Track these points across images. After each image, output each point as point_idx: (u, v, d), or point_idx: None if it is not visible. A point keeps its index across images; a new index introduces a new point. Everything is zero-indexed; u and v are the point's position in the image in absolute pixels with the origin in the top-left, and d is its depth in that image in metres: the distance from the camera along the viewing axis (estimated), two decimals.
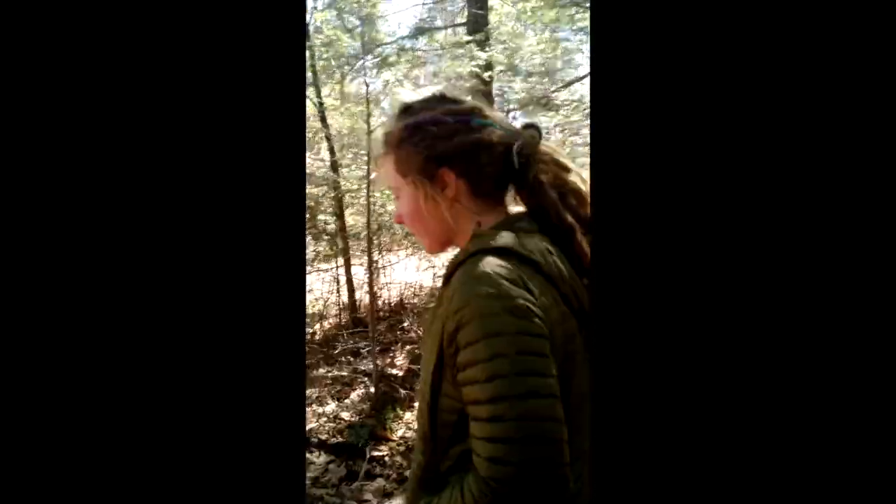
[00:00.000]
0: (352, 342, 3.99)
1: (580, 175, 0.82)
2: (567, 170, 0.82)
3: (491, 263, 0.67)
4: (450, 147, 0.76)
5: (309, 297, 4.37)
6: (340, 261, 4.37)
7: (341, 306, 4.55)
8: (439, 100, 0.81)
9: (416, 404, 0.82)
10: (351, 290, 4.38)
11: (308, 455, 2.61)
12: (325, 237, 4.22)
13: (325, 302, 4.55)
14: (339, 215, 4.14)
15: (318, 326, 4.39)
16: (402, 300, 4.77)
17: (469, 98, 0.82)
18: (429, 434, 0.73)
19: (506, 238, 0.72)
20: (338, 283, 4.54)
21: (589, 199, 0.79)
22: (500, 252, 0.69)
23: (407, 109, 0.81)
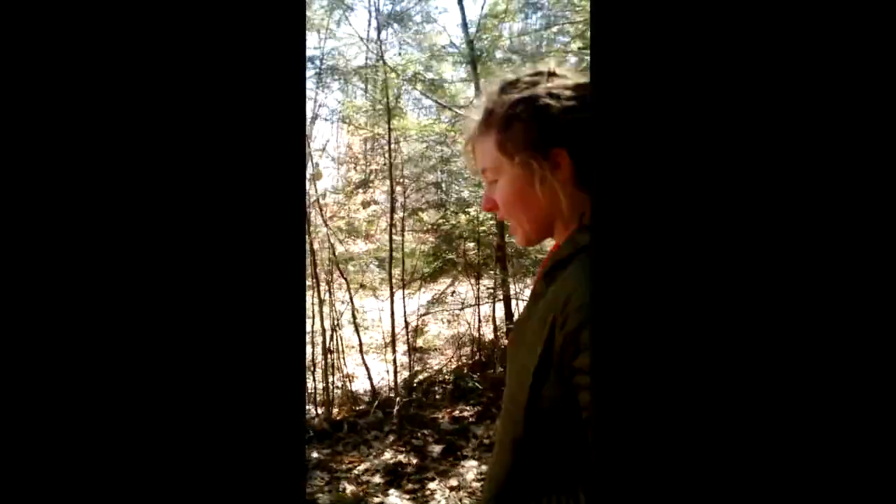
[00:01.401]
0: None
1: None
2: None
3: None
4: (567, 124, 0.69)
5: None
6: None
7: None
8: (548, 75, 0.73)
9: (503, 408, 0.76)
10: None
11: None
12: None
13: None
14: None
15: None
16: None
17: (577, 74, 0.74)
18: (521, 438, 0.68)
19: None
20: None
21: None
22: None
23: (511, 84, 0.73)
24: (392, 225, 3.73)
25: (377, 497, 2.72)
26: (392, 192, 3.77)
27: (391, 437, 3.49)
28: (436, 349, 5.13)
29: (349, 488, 2.81)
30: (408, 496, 2.74)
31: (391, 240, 3.74)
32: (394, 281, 3.96)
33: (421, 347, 4.69)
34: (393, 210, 3.79)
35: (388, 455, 3.25)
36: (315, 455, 3.25)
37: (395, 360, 3.95)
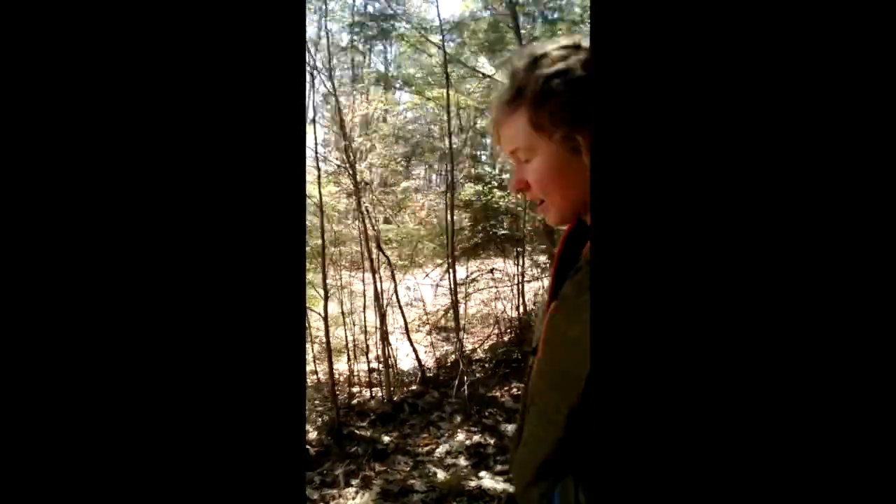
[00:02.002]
0: None
1: None
2: None
3: None
4: None
5: None
6: None
7: None
8: (577, 48, 0.69)
9: (535, 388, 0.77)
10: None
11: None
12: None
13: None
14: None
15: None
16: None
17: None
18: (578, 407, 0.67)
19: None
20: None
21: None
22: None
23: (541, 58, 0.69)
24: (450, 199, 3.58)
25: (471, 480, 2.64)
26: (451, 162, 3.62)
27: (458, 418, 3.41)
28: (475, 326, 5.07)
29: (440, 473, 2.73)
30: (500, 478, 2.67)
31: (451, 213, 3.60)
32: (443, 258, 3.84)
33: (464, 326, 4.60)
34: (453, 184, 3.65)
35: (461, 436, 3.17)
36: (386, 438, 3.15)
37: (459, 338, 3.85)
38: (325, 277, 3.35)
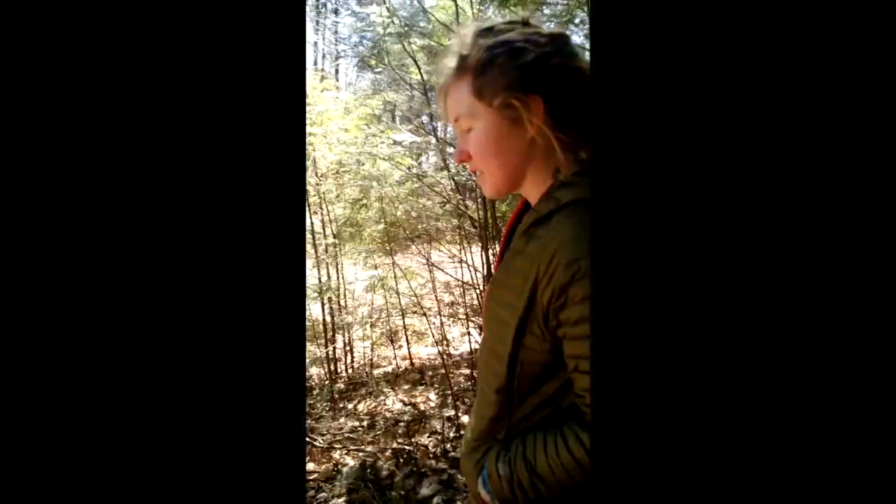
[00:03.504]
0: None
1: None
2: None
3: None
4: (542, 71, 0.69)
5: None
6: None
7: None
8: (524, 24, 0.73)
9: (481, 360, 0.81)
10: None
11: None
12: None
13: None
14: None
15: None
16: None
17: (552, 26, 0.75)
18: (504, 387, 0.72)
19: None
20: None
21: None
22: None
23: (486, 30, 0.73)
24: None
25: None
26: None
27: None
28: None
29: None
30: None
31: None
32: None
33: None
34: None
35: None
36: None
37: None
38: None
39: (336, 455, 2.74)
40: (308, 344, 3.61)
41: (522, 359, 0.70)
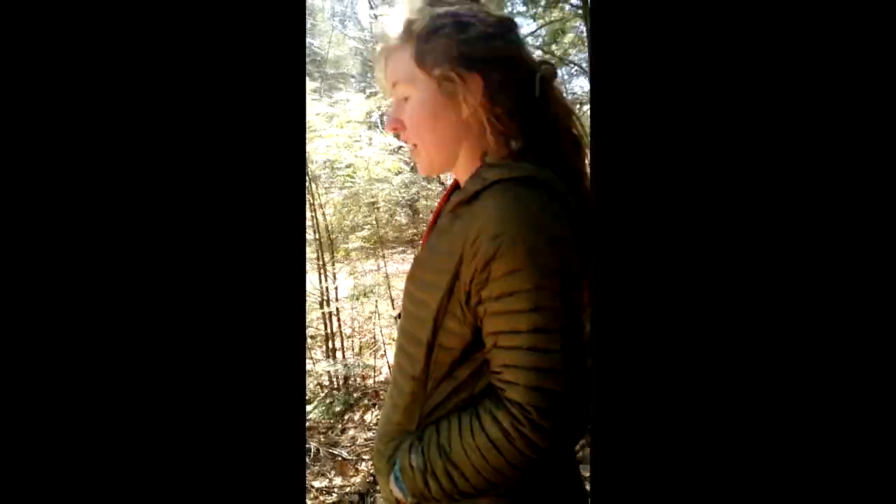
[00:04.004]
0: None
1: (581, 122, 0.76)
2: (571, 114, 0.76)
3: (524, 194, 0.64)
4: (486, 50, 0.68)
5: None
6: None
7: None
8: (474, 1, 0.73)
9: (396, 347, 0.79)
10: None
11: None
12: None
13: None
14: None
15: None
16: None
17: (499, 8, 0.75)
18: (422, 371, 0.71)
19: (529, 168, 0.67)
20: None
21: (587, 151, 0.75)
22: (528, 182, 0.65)
23: (437, 1, 0.71)
24: None
25: None
26: None
27: None
28: None
29: None
30: None
31: None
32: None
33: None
34: None
35: None
36: None
37: None
38: None
39: (363, 467, 2.65)
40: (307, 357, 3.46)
41: (441, 342, 0.69)
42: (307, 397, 3.28)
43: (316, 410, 3.13)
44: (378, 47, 0.74)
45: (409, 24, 0.70)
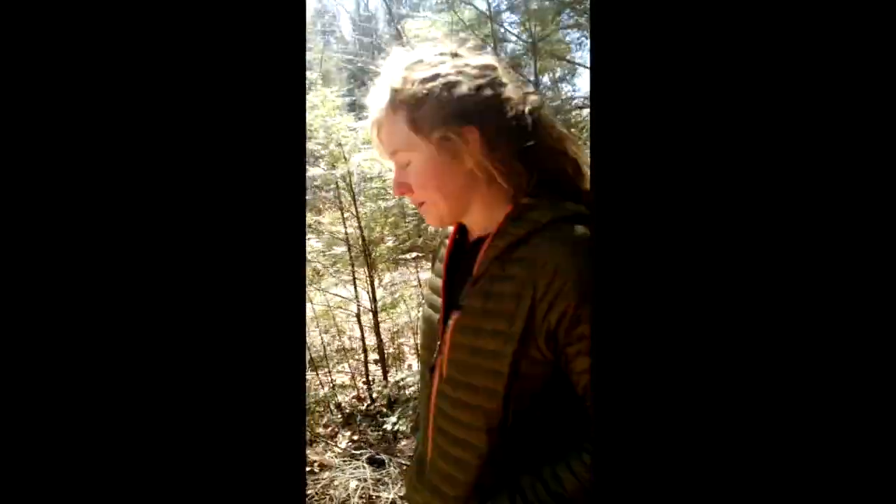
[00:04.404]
0: None
1: (577, 144, 0.78)
2: (566, 138, 0.77)
3: (583, 232, 0.66)
4: (477, 102, 0.70)
5: None
6: None
7: None
8: (454, 55, 0.74)
9: (446, 406, 0.76)
10: None
11: None
12: None
13: None
14: None
15: None
16: None
17: (476, 55, 0.76)
18: (500, 422, 0.69)
19: (574, 206, 0.69)
20: None
21: (587, 171, 0.76)
22: (579, 219, 0.68)
23: (416, 63, 0.73)
24: None
25: None
26: None
27: None
28: None
29: None
30: None
31: None
32: None
33: None
34: None
35: None
36: None
37: None
38: None
39: None
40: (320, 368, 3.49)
41: (517, 389, 0.68)
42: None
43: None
44: (368, 121, 0.75)
45: (395, 94, 0.71)
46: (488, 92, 0.71)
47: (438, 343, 0.77)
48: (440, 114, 0.69)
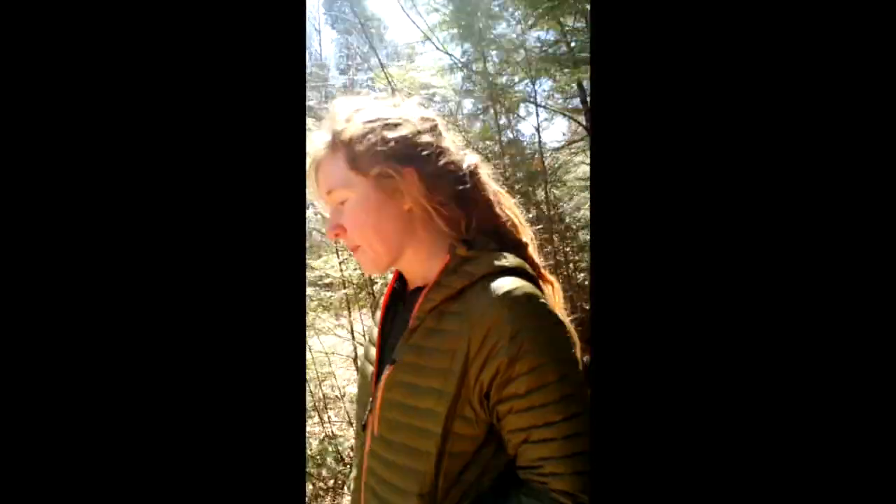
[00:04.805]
0: None
1: (512, 202, 0.80)
2: (501, 195, 0.79)
3: (521, 286, 0.65)
4: (417, 145, 0.72)
5: None
6: None
7: None
8: (395, 105, 0.77)
9: (377, 465, 0.73)
10: None
11: None
12: None
13: None
14: None
15: None
16: None
17: (418, 108, 0.78)
18: (431, 485, 0.66)
19: (512, 259, 0.69)
20: None
21: (521, 225, 0.78)
22: (517, 273, 0.68)
23: (360, 107, 0.75)
24: None
25: None
26: None
27: None
28: None
29: None
30: None
31: None
32: None
33: None
34: None
35: None
36: None
37: None
38: None
39: None
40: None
41: (451, 449, 0.66)
42: None
43: None
44: (309, 162, 0.75)
45: (336, 134, 0.72)
46: (427, 138, 0.73)
47: (371, 399, 0.73)
48: (381, 152, 0.70)
